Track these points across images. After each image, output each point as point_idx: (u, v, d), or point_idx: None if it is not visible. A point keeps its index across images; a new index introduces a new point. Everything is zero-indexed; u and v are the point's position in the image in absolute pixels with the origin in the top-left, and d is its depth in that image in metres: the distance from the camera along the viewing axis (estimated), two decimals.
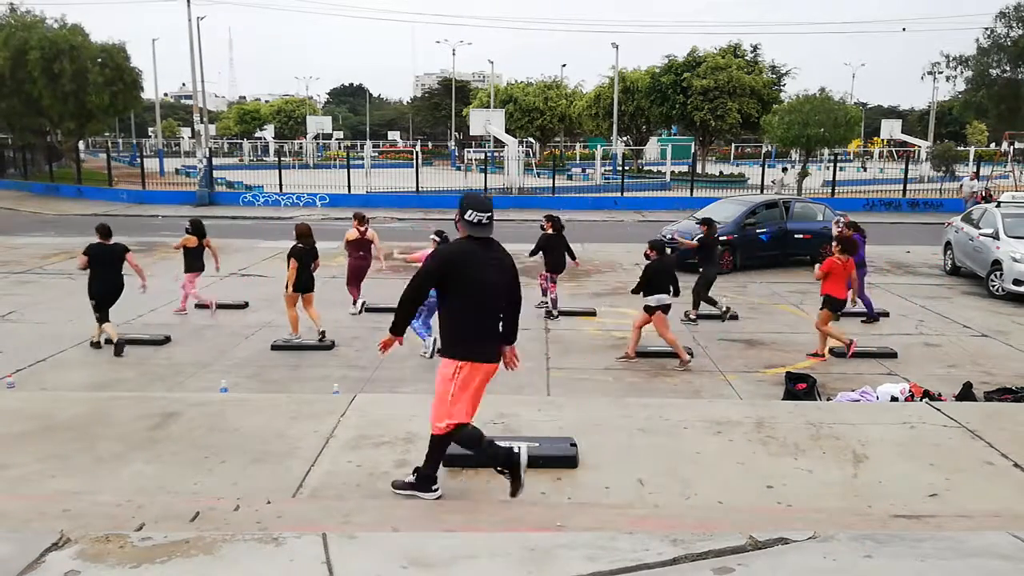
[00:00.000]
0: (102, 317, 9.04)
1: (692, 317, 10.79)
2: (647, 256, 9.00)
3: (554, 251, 10.92)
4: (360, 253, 11.08)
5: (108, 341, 9.04)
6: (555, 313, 10.97)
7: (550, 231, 10.97)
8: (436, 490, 4.59)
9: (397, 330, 4.54)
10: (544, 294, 11.23)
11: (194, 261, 10.94)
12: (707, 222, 11.24)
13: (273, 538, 3.53)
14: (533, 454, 5.02)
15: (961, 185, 28.04)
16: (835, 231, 11.80)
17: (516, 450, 4.57)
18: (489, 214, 4.41)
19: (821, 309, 9.12)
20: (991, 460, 5.21)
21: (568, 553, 3.40)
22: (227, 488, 4.66)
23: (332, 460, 5.10)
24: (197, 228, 10.99)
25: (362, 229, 11.02)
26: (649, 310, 8.77)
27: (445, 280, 4.38)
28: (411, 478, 4.65)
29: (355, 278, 11.11)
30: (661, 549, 3.40)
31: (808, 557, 3.37)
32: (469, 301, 4.38)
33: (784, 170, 29.60)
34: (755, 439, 5.53)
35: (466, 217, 4.37)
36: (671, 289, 8.80)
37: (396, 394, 7.48)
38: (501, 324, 4.59)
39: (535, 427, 5.68)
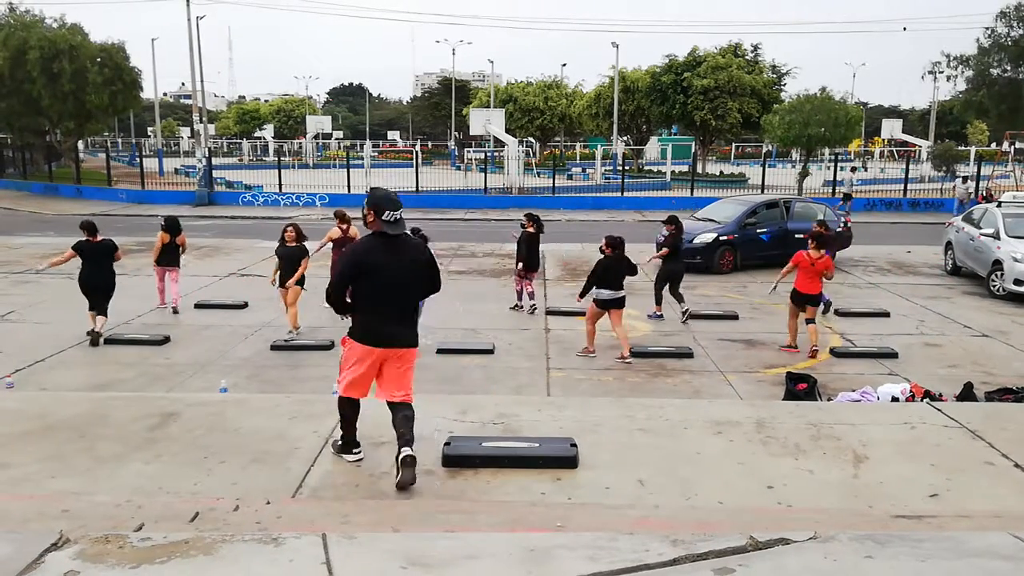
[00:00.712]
0: (97, 309, 9.25)
1: (684, 319, 10.79)
2: (602, 251, 9.15)
3: (534, 250, 11.13)
4: (344, 251, 11.08)
5: (92, 332, 9.20)
6: (534, 307, 11.15)
7: (531, 230, 11.04)
8: (357, 453, 5.12)
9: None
10: (520, 296, 11.30)
11: (163, 256, 10.87)
12: (673, 220, 11.34)
13: (273, 538, 3.52)
14: (533, 454, 5.02)
15: (955, 186, 28.01)
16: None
17: (359, 454, 5.13)
18: (401, 210, 4.87)
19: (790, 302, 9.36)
20: (992, 460, 5.20)
21: (568, 553, 3.40)
22: (227, 488, 4.66)
23: (332, 460, 5.10)
24: (170, 225, 10.96)
25: (344, 227, 11.02)
26: (601, 304, 8.97)
27: (358, 276, 4.85)
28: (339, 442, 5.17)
29: None
30: (661, 549, 3.40)
31: (809, 557, 3.36)
32: (373, 292, 4.81)
33: (853, 170, 28.81)
34: (755, 439, 5.52)
35: (383, 218, 4.78)
36: (621, 286, 9.02)
37: None
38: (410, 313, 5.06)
39: (535, 427, 5.68)
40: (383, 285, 4.79)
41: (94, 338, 9.12)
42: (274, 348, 9.17)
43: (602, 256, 9.10)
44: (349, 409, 5.07)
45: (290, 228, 9.74)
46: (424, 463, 5.00)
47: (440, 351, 9.08)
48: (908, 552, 3.43)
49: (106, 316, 9.34)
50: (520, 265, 11.14)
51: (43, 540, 3.44)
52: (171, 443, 5.33)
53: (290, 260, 9.64)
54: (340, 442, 5.17)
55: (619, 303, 9.02)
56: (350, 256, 4.95)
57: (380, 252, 4.81)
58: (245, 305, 11.36)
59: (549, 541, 3.61)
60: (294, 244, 9.70)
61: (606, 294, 8.93)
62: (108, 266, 9.50)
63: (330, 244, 11.05)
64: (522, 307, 11.23)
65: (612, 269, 8.98)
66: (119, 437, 5.42)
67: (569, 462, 4.98)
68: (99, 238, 9.57)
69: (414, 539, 3.74)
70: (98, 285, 9.34)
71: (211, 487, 4.68)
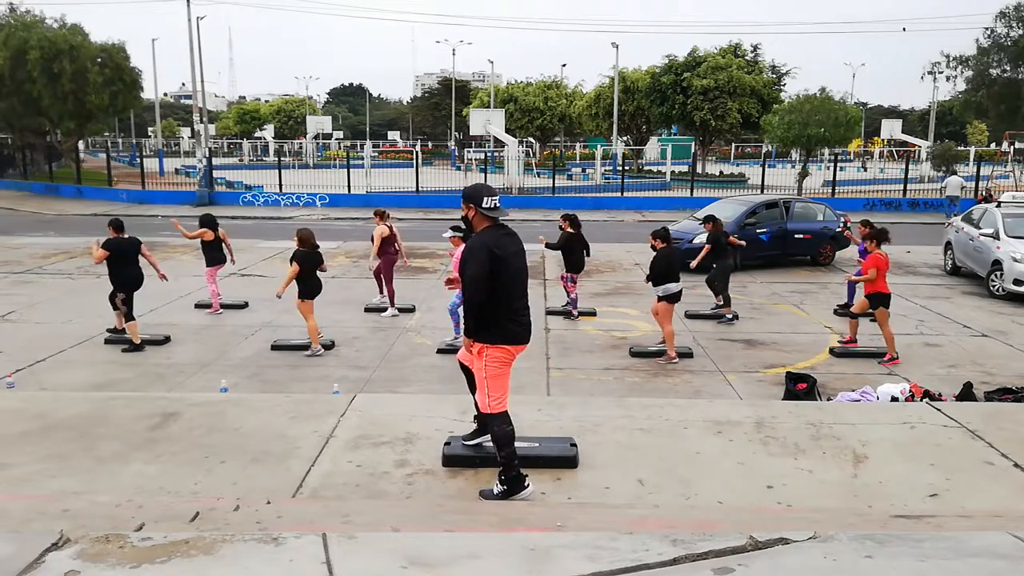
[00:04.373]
0: (128, 312, 9.17)
1: (728, 315, 10.83)
2: (654, 248, 9.06)
3: (574, 250, 10.86)
4: (391, 249, 11.16)
5: (118, 335, 9.18)
6: (575, 313, 10.98)
7: (569, 230, 10.92)
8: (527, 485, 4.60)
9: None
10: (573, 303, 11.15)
11: (212, 254, 11.05)
12: (711, 219, 11.31)
13: (273, 538, 3.52)
14: (533, 454, 5.02)
15: (945, 186, 27.95)
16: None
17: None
18: (498, 197, 4.62)
19: (876, 308, 8.90)
20: (991, 460, 5.21)
21: (568, 553, 3.40)
22: (227, 488, 4.66)
23: (332, 460, 5.10)
24: (208, 221, 11.13)
25: (390, 225, 11.13)
26: (673, 298, 8.87)
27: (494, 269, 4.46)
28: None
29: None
30: (661, 549, 3.40)
31: (808, 557, 3.36)
32: (512, 283, 4.55)
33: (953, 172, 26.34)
34: (755, 439, 5.52)
35: (484, 205, 4.50)
36: (678, 277, 8.93)
37: (396, 394, 7.47)
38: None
39: (535, 427, 5.68)
40: (511, 278, 4.51)
41: (126, 346, 9.07)
42: (275, 348, 9.17)
43: (656, 251, 9.01)
44: (511, 428, 4.61)
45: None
46: (424, 463, 5.01)
47: (440, 351, 9.09)
48: (908, 552, 3.44)
49: (135, 320, 9.29)
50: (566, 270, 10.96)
51: (44, 540, 3.43)
52: (172, 443, 5.34)
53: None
54: (507, 481, 4.55)
55: (678, 297, 8.98)
56: (477, 251, 4.46)
57: (504, 242, 4.52)
58: (246, 305, 11.38)
59: (549, 541, 3.61)
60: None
61: (675, 287, 8.86)
62: (136, 263, 9.42)
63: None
64: (574, 313, 10.98)
65: (673, 260, 8.96)
66: (120, 437, 5.43)
67: (569, 462, 4.99)
68: (126, 235, 9.40)
69: (414, 538, 3.74)
70: (131, 282, 9.28)
71: (212, 487, 4.69)
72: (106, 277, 9.46)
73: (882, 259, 8.98)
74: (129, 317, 9.15)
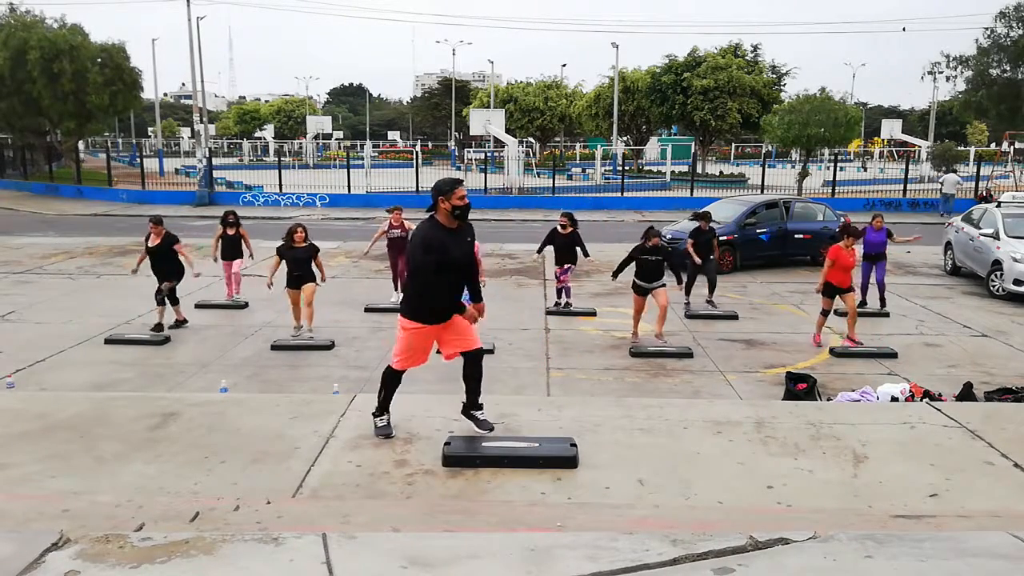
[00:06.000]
0: (166, 300, 9.81)
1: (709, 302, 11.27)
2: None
3: (571, 247, 11.30)
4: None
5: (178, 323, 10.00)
6: (571, 303, 11.38)
7: (569, 230, 11.25)
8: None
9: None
10: (562, 294, 11.40)
11: (231, 250, 11.47)
12: (704, 216, 11.68)
13: (273, 538, 3.52)
14: (533, 454, 5.02)
15: (942, 183, 27.93)
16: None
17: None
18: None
19: (833, 294, 9.60)
20: (991, 460, 5.20)
21: (568, 553, 3.40)
22: (227, 488, 4.66)
23: (332, 460, 5.09)
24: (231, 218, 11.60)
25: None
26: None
27: None
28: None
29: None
30: (661, 549, 3.40)
31: (808, 557, 3.37)
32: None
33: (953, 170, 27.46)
34: (755, 439, 5.52)
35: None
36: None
37: (396, 394, 7.45)
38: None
39: (535, 427, 5.68)
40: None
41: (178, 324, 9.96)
42: (274, 348, 9.17)
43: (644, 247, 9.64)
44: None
45: (300, 229, 9.65)
46: (424, 463, 5.01)
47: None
48: (908, 552, 3.44)
49: (179, 302, 10.16)
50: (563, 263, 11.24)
51: (44, 540, 3.44)
52: (171, 443, 5.34)
53: (303, 262, 9.56)
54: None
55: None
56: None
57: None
58: (246, 305, 11.37)
59: (549, 541, 3.61)
60: (304, 245, 9.63)
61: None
62: (175, 257, 9.98)
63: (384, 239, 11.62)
64: (560, 304, 11.30)
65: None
66: (119, 437, 5.42)
67: (569, 462, 4.98)
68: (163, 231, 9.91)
69: (414, 539, 3.74)
70: (174, 274, 9.97)
71: (211, 487, 4.68)
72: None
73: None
74: (163, 302, 9.78)
